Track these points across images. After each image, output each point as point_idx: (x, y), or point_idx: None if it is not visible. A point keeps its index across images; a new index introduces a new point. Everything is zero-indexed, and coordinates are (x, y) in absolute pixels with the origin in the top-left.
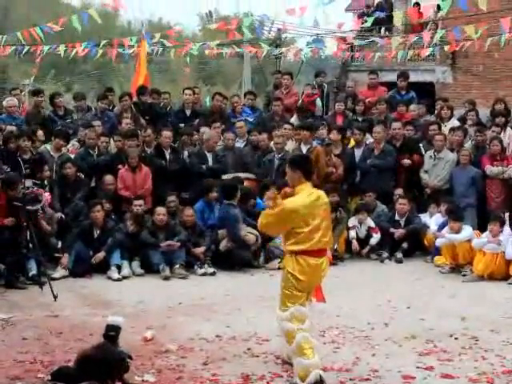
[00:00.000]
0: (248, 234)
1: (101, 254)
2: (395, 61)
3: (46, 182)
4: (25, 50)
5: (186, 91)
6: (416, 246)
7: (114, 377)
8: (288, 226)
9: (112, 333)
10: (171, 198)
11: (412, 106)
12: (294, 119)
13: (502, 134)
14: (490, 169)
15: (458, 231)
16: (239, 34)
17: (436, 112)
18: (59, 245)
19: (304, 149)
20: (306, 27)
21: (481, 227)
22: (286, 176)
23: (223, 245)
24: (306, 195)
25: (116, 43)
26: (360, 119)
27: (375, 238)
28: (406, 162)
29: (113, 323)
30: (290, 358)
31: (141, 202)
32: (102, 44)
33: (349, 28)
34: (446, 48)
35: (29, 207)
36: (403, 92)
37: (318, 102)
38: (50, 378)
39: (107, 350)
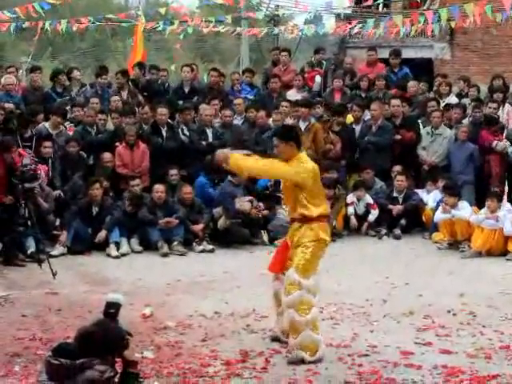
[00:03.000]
0: (242, 203)
1: (103, 233)
2: (393, 37)
3: (50, 160)
4: (25, 25)
5: (185, 68)
6: (414, 222)
7: (113, 353)
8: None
9: (112, 310)
10: (173, 172)
11: (410, 83)
12: (290, 93)
13: (501, 109)
14: (499, 144)
15: (453, 206)
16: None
17: (435, 88)
18: (57, 222)
19: (302, 125)
20: (304, 4)
21: (479, 203)
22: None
23: (221, 223)
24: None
25: (123, 17)
26: (363, 95)
27: (373, 214)
28: (397, 137)
29: (112, 300)
30: (283, 333)
31: (137, 181)
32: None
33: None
34: (453, 24)
35: (27, 184)
36: (396, 69)
37: (317, 78)
38: (50, 354)
39: (107, 326)
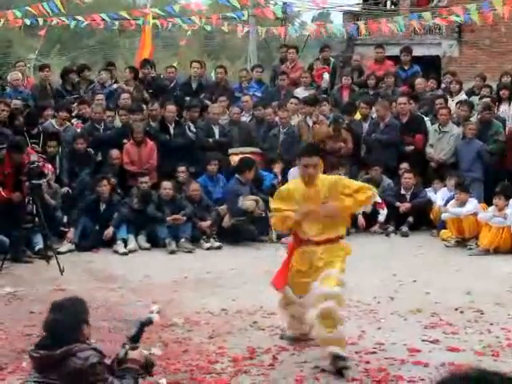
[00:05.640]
0: (246, 202)
1: (110, 230)
2: (400, 34)
3: (57, 157)
4: (40, 22)
5: (194, 64)
6: (422, 219)
7: (85, 321)
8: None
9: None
10: (181, 169)
11: (418, 80)
12: (298, 90)
13: (507, 106)
14: None
15: (464, 202)
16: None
17: (443, 86)
18: (65, 219)
19: (310, 122)
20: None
21: (489, 201)
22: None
23: (225, 221)
24: None
25: (138, 14)
26: (371, 93)
27: (382, 214)
28: (409, 148)
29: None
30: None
31: (146, 178)
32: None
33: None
34: (477, 19)
35: (34, 181)
36: (407, 67)
37: (326, 75)
38: (32, 347)
39: (60, 306)
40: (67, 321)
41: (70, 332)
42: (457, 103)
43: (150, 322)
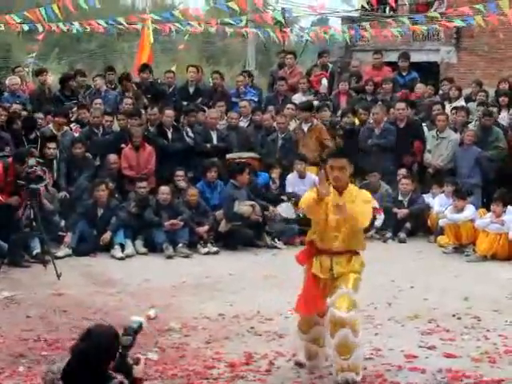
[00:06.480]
0: (242, 207)
1: (107, 235)
2: (399, 40)
3: (55, 161)
4: (40, 29)
5: (190, 69)
6: (419, 226)
7: (115, 356)
8: None
9: (134, 327)
10: (180, 173)
11: (418, 85)
12: (296, 96)
13: (507, 114)
14: None
15: (461, 209)
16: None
17: (441, 92)
18: (62, 223)
19: (305, 127)
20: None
21: (488, 207)
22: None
23: (222, 226)
24: None
25: (137, 20)
26: (369, 99)
27: (379, 219)
28: (414, 168)
29: (137, 322)
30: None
31: (144, 183)
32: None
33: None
34: (482, 23)
35: (32, 185)
36: (405, 73)
37: (324, 80)
38: (58, 377)
39: (96, 335)
40: (99, 355)
41: (98, 365)
42: (452, 109)
43: (140, 327)
